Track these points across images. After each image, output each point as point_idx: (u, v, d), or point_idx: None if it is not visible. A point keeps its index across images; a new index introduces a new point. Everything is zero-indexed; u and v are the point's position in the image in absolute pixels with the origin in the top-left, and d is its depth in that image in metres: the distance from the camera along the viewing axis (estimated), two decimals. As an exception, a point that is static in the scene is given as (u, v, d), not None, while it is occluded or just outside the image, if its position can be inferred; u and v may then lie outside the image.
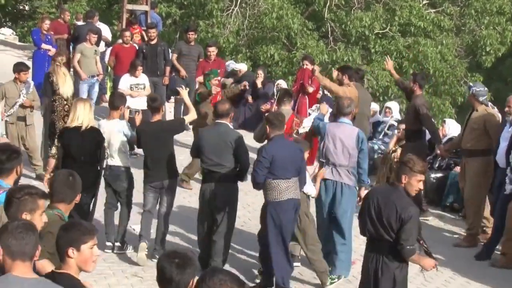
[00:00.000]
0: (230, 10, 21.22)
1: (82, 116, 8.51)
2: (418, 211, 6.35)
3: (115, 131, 8.94)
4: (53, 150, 8.91)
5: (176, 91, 10.19)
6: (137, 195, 9.42)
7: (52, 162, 8.78)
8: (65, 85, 11.44)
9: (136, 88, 13.28)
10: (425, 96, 21.75)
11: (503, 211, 9.42)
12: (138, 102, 12.82)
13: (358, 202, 8.69)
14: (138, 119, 9.50)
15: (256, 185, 7.93)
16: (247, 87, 12.49)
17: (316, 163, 9.37)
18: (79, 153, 8.54)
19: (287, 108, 9.15)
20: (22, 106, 11.31)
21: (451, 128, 12.52)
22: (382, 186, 6.91)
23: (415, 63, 22.03)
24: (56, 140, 8.94)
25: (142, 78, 13.45)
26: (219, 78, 12.22)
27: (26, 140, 11.35)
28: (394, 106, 13.99)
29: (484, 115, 10.10)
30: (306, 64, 13.32)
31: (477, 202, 10.21)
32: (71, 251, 4.35)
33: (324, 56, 21.18)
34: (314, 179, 8.62)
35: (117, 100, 9.14)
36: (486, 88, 10.41)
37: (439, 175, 12.12)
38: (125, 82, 13.32)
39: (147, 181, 8.97)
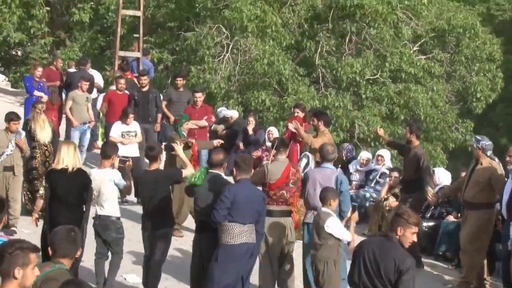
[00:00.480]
0: (222, 56, 21.32)
1: (67, 159, 8.60)
2: (415, 262, 6.33)
3: (106, 180, 8.90)
4: (41, 191, 8.93)
5: (169, 140, 10.19)
6: (129, 244, 9.34)
7: (40, 202, 8.88)
8: (43, 132, 11.68)
9: (127, 135, 13.32)
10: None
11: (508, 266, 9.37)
12: (129, 150, 12.85)
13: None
14: (128, 167, 9.45)
15: (214, 223, 8.00)
16: (219, 145, 12.34)
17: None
18: (66, 195, 8.59)
19: (283, 158, 9.14)
20: (20, 150, 11.05)
21: (441, 177, 12.53)
22: (375, 237, 6.88)
23: (406, 109, 22.16)
24: (43, 181, 8.95)
25: (134, 126, 13.52)
26: (189, 123, 12.19)
27: (9, 190, 10.99)
28: (386, 154, 14.01)
29: (490, 169, 10.08)
30: (297, 112, 13.46)
31: (474, 253, 10.14)
32: None
33: (315, 101, 21.24)
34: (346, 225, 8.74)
35: (109, 149, 9.13)
36: (491, 142, 10.35)
37: (431, 223, 12.10)
38: (117, 129, 13.37)
39: (144, 229, 8.98)
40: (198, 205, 8.48)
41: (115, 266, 9.04)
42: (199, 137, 13.54)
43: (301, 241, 9.38)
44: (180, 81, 15.23)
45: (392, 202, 12.14)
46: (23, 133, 11.20)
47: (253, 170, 8.39)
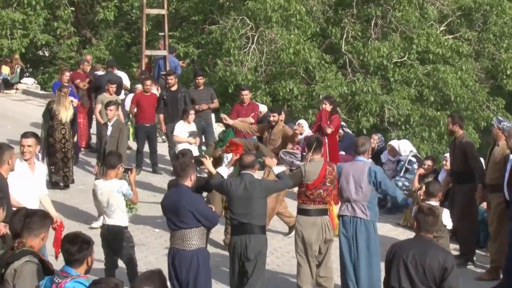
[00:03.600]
0: (247, 48, 21.30)
1: None
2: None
3: (114, 191, 8.82)
4: None
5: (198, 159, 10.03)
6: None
7: None
8: (67, 111, 13.63)
9: (193, 135, 13.51)
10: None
11: None
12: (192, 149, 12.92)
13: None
14: (132, 177, 9.24)
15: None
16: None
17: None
18: None
19: (319, 157, 9.12)
20: None
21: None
22: (407, 240, 6.89)
23: (436, 90, 21.97)
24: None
25: (193, 125, 13.73)
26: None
27: None
28: (406, 144, 13.89)
29: (504, 149, 10.00)
30: (325, 104, 13.33)
31: (501, 238, 10.07)
32: None
33: (344, 88, 21.17)
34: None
35: (114, 159, 9.01)
36: None
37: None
38: (182, 129, 13.51)
39: None
40: (233, 206, 8.47)
41: (133, 278, 8.82)
42: (247, 134, 13.55)
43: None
44: (200, 80, 15.29)
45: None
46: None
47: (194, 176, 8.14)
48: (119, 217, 8.90)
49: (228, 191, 8.57)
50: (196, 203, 7.90)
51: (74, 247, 5.32)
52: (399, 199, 9.18)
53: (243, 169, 8.67)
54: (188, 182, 7.93)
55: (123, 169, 9.16)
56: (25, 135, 8.74)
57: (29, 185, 8.48)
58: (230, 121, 11.88)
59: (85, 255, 5.36)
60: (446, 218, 9.22)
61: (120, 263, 9.11)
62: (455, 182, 11.00)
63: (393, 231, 12.18)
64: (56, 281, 5.29)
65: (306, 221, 8.94)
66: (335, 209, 9.29)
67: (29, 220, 5.71)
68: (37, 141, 8.76)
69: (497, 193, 10.01)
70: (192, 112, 13.66)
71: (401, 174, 13.43)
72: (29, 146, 8.53)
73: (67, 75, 16.01)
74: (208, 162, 9.29)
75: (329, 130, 12.97)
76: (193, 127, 13.67)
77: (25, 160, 8.55)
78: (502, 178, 9.89)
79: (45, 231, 5.78)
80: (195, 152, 12.66)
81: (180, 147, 13.00)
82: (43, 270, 5.54)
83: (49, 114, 13.68)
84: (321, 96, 18.09)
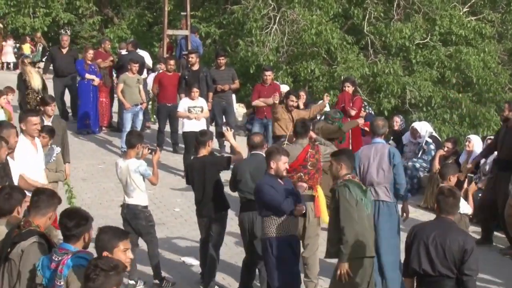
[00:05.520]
0: (269, 28, 21.25)
1: None
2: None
3: (132, 171, 8.85)
4: None
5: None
6: (186, 225, 9.38)
7: None
8: (34, 80, 14.63)
9: (193, 110, 13.56)
10: (470, 104, 21.65)
11: None
12: (196, 125, 13.08)
13: (403, 218, 8.99)
14: (155, 158, 9.14)
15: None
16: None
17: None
18: None
19: (304, 141, 8.92)
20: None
21: (476, 145, 12.31)
22: (428, 222, 6.89)
23: (458, 72, 21.86)
24: None
25: (200, 101, 13.76)
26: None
27: None
28: (422, 126, 13.82)
29: None
30: (348, 86, 13.31)
31: None
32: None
33: (365, 69, 21.09)
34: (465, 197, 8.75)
35: (134, 139, 8.99)
36: None
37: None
38: (183, 105, 13.69)
39: (198, 214, 9.14)
40: (242, 184, 8.65)
41: (153, 257, 9.04)
42: (268, 114, 13.67)
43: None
44: (222, 60, 15.31)
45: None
46: (58, 150, 9.90)
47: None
48: (138, 196, 8.94)
49: (237, 168, 8.76)
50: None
51: (72, 222, 5.21)
52: (401, 189, 8.97)
53: (252, 149, 8.82)
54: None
55: (149, 150, 9.19)
56: (31, 113, 9.02)
57: (36, 162, 8.71)
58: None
59: (83, 230, 5.24)
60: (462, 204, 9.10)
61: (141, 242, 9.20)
62: (499, 170, 10.63)
63: (413, 213, 12.12)
64: (55, 259, 5.16)
65: None
66: (321, 194, 9.03)
67: (36, 198, 5.62)
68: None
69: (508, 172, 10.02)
70: (195, 90, 13.69)
71: (419, 155, 13.42)
72: (35, 124, 8.73)
73: (90, 53, 16.12)
74: (229, 134, 9.36)
75: (353, 112, 13.01)
76: (198, 103, 13.69)
77: (32, 137, 8.74)
78: None
79: (52, 210, 5.69)
80: (202, 127, 12.72)
81: (186, 123, 13.43)
82: (49, 250, 5.42)
83: (24, 84, 14.66)
84: (342, 77, 18.01)
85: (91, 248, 5.26)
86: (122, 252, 5.02)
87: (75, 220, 5.24)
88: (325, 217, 8.78)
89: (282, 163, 7.71)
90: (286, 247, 7.66)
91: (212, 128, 14.58)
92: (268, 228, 7.64)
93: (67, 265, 5.05)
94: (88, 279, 4.64)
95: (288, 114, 11.99)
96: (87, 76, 16.06)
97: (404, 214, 9.01)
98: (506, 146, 10.59)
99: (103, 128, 16.77)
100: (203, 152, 9.04)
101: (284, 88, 16.04)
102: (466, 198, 10.72)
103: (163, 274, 9.15)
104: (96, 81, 16.15)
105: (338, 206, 7.33)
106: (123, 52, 17.93)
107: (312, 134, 9.46)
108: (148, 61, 17.61)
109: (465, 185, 8.97)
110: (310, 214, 8.65)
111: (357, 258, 7.34)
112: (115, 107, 16.71)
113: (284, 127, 11.89)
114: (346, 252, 7.24)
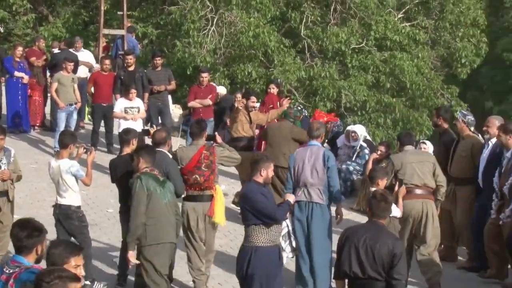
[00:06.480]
0: (207, 30, 21.23)
1: None
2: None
3: (63, 171, 8.77)
4: None
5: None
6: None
7: None
8: None
9: (130, 111, 13.70)
10: (403, 109, 22.05)
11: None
12: (132, 126, 12.89)
13: (337, 220, 9.12)
14: (90, 158, 9.03)
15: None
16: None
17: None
18: None
19: (200, 142, 8.91)
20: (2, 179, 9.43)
21: (430, 149, 12.54)
22: (359, 225, 6.99)
23: (392, 76, 22.22)
24: None
25: (137, 101, 13.89)
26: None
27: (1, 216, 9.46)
28: (359, 129, 14.02)
29: (471, 141, 10.19)
30: (273, 88, 13.72)
31: (468, 227, 10.20)
32: None
33: (302, 72, 21.26)
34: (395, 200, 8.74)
35: (66, 139, 8.92)
36: (474, 119, 10.40)
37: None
38: (120, 105, 13.80)
39: (120, 212, 8.97)
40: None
41: (87, 257, 8.72)
42: (204, 115, 13.78)
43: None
44: (158, 61, 15.25)
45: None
46: (13, 151, 9.62)
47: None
48: (71, 197, 8.87)
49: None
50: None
51: (24, 233, 5.01)
52: (335, 192, 9.05)
53: (156, 146, 8.77)
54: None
55: (84, 150, 9.09)
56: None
57: None
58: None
59: (35, 242, 5.02)
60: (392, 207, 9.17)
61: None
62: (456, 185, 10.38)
63: (346, 215, 12.25)
64: (7, 271, 4.92)
65: (188, 207, 8.80)
66: (220, 195, 8.92)
67: None
68: None
69: (463, 186, 10.17)
70: (133, 91, 13.87)
71: (353, 158, 13.60)
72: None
73: (19, 49, 15.79)
74: (220, 138, 9.41)
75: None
76: (135, 104, 13.82)
77: None
78: (469, 171, 10.07)
79: None
80: (138, 129, 12.43)
81: (122, 123, 13.40)
82: None
83: None
84: (279, 80, 18.12)
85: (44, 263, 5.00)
86: (73, 269, 4.66)
87: (27, 231, 5.03)
88: (219, 219, 8.83)
89: (270, 171, 7.64)
90: (271, 257, 7.48)
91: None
92: (255, 236, 7.41)
93: (20, 279, 4.84)
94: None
95: (246, 116, 12.04)
96: (16, 73, 15.70)
97: (338, 217, 9.13)
98: (457, 162, 10.35)
99: (36, 127, 16.48)
100: (127, 150, 8.97)
101: (221, 90, 16.08)
102: (396, 202, 10.84)
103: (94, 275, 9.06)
104: (26, 79, 15.82)
105: None
106: (56, 50, 17.64)
107: (218, 139, 9.45)
108: (92, 60, 17.35)
109: (396, 188, 9.06)
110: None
111: (156, 244, 7.88)
112: (48, 107, 16.43)
113: (241, 129, 11.94)
114: (129, 241, 7.91)
